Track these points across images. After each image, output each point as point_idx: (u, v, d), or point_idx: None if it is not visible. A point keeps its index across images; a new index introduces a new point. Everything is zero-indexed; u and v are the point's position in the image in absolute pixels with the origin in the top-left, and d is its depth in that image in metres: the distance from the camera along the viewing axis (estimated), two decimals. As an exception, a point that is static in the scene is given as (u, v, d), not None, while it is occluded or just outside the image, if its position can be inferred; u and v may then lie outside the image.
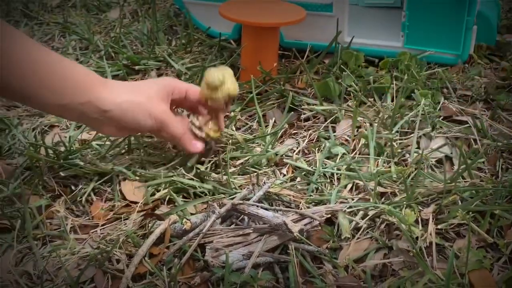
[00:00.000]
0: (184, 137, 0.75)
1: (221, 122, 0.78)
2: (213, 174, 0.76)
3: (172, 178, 0.75)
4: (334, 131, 0.87)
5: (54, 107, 0.68)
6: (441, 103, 0.91)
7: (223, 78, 0.74)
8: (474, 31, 0.99)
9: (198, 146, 0.76)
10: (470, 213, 0.67)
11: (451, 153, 0.80)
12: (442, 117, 0.88)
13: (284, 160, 0.80)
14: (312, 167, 0.78)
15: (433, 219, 0.67)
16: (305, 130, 0.88)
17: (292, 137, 0.87)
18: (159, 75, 1.04)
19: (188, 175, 0.76)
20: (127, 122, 0.70)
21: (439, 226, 0.66)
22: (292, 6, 1.03)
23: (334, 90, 0.94)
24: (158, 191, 0.74)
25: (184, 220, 0.65)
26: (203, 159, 0.79)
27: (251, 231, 0.63)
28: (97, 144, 0.83)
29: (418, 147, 0.81)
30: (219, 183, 0.75)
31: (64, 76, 0.66)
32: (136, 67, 1.05)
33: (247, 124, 0.90)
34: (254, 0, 1.06)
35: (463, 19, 0.96)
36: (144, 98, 0.71)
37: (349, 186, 0.75)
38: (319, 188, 0.74)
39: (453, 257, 0.58)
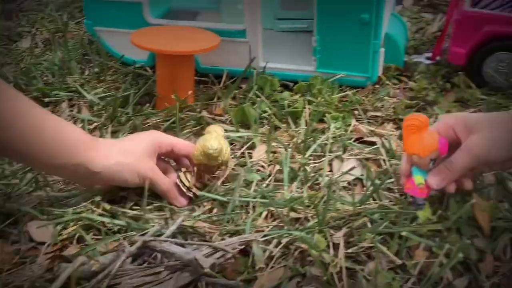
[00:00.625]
0: (169, 193, 0.76)
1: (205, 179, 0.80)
2: (128, 210, 0.74)
3: (81, 215, 0.72)
4: (251, 157, 0.87)
5: (46, 167, 0.73)
6: (352, 125, 0.93)
7: (221, 147, 0.75)
8: (381, 53, 1.03)
9: (183, 202, 0.77)
10: (379, 235, 0.68)
11: (362, 175, 0.82)
12: (353, 139, 0.90)
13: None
14: (227, 197, 0.77)
15: (344, 242, 0.68)
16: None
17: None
18: (71, 106, 1.01)
19: (98, 210, 0.73)
20: (115, 181, 0.74)
21: (350, 250, 0.67)
22: (206, 33, 1.03)
23: (250, 115, 0.95)
24: (67, 229, 0.71)
25: (93, 261, 0.63)
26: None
27: (163, 269, 0.62)
28: (2, 184, 0.79)
29: (331, 170, 0.83)
30: (133, 219, 0.73)
31: (57, 139, 0.70)
32: (46, 99, 1.01)
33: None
34: (168, 27, 1.06)
35: (369, 42, 0.99)
36: (133, 158, 0.74)
37: (264, 213, 0.75)
38: (234, 218, 0.74)
39: (362, 281, 0.59)
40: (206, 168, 0.78)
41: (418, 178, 0.68)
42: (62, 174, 0.77)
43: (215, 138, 0.76)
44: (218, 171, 0.81)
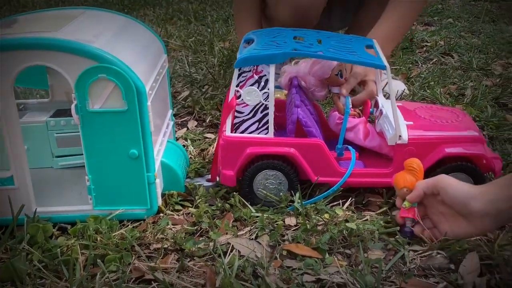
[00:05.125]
0: None
1: None
2: None
3: None
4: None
5: None
6: (131, 263, 0.90)
7: None
8: (158, 184, 1.03)
9: None
10: None
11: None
12: (133, 279, 0.87)
13: None
14: None
15: None
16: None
17: None
18: None
19: None
20: None
21: None
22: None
23: (20, 271, 0.87)
24: None
25: None
26: None
27: None
28: None
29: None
30: None
31: None
32: None
33: None
34: None
35: (143, 175, 1.00)
36: None
37: None
38: None
39: None
40: None
41: (405, 204, 0.95)
42: None
43: None
44: None
